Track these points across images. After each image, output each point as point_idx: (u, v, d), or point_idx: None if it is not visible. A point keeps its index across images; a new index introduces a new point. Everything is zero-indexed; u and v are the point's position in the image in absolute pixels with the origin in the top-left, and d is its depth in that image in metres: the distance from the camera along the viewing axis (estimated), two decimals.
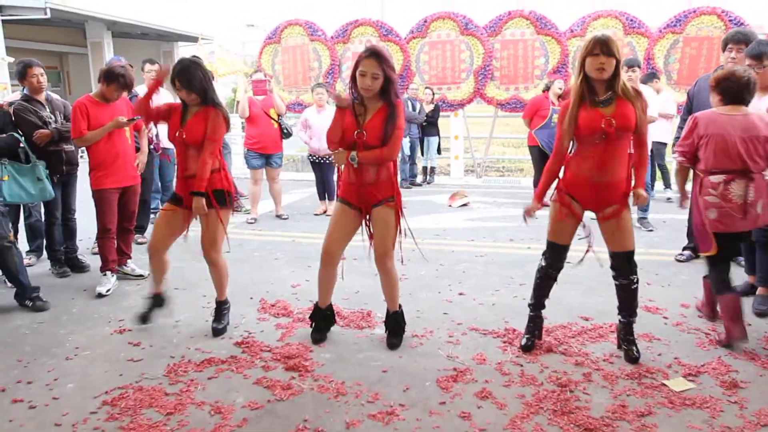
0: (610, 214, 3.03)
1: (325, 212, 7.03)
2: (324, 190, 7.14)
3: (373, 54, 3.00)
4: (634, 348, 3.13)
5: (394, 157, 3.17)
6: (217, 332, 3.51)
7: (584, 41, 2.90)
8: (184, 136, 3.34)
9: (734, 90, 3.28)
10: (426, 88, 9.14)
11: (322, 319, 3.45)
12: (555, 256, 3.19)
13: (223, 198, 3.44)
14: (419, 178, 9.47)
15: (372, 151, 3.08)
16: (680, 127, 4.88)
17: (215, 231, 3.44)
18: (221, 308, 3.60)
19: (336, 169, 3.41)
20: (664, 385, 2.85)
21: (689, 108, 4.78)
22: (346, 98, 3.13)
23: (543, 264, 3.25)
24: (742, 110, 3.27)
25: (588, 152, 2.98)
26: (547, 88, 7.37)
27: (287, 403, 2.75)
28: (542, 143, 7.07)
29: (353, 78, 3.08)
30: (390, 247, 3.22)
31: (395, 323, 3.37)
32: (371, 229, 3.25)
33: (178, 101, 3.43)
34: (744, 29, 4.78)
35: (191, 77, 3.27)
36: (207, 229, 3.45)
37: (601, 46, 2.81)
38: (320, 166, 7.02)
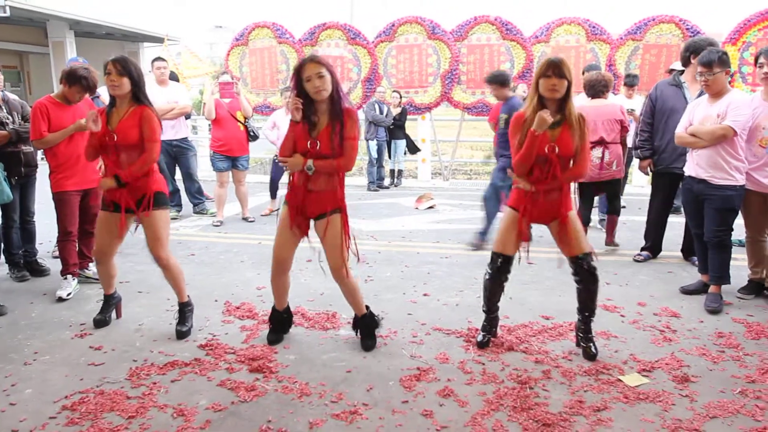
0: (556, 226, 3.15)
1: (271, 211, 7.08)
2: (276, 189, 7.23)
3: (310, 59, 3.01)
4: (592, 345, 3.22)
5: (350, 167, 3.13)
6: (182, 335, 3.49)
7: (538, 63, 3.02)
8: (116, 138, 3.31)
9: (591, 87, 5.22)
10: (393, 91, 9.21)
11: (278, 321, 3.46)
12: (502, 266, 3.26)
13: (162, 199, 3.45)
14: (386, 181, 9.53)
15: (329, 160, 3.05)
16: (643, 130, 5.00)
17: (158, 230, 3.42)
18: (184, 310, 3.58)
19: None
20: (620, 380, 2.95)
21: (652, 111, 4.90)
22: (299, 109, 3.05)
23: (491, 272, 3.30)
24: (601, 102, 5.19)
25: (533, 170, 3.09)
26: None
27: (251, 404, 2.75)
28: None
29: (300, 91, 3.02)
30: (342, 259, 3.18)
31: (365, 326, 3.39)
32: (320, 242, 3.22)
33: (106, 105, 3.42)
34: (699, 38, 4.95)
35: (127, 63, 3.31)
36: (150, 231, 3.42)
37: (554, 69, 2.94)
38: (282, 168, 7.03)
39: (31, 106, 4.38)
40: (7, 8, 11.88)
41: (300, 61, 3.05)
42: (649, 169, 5.00)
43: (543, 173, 3.06)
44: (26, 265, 4.73)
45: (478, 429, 2.54)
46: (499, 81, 5.44)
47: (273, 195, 7.22)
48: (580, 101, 6.10)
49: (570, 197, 3.17)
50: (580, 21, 8.85)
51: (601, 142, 5.02)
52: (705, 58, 3.77)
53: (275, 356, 3.24)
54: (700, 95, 4.51)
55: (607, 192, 5.42)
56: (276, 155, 7.06)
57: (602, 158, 5.03)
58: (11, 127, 4.36)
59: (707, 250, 4.04)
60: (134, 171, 3.31)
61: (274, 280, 3.35)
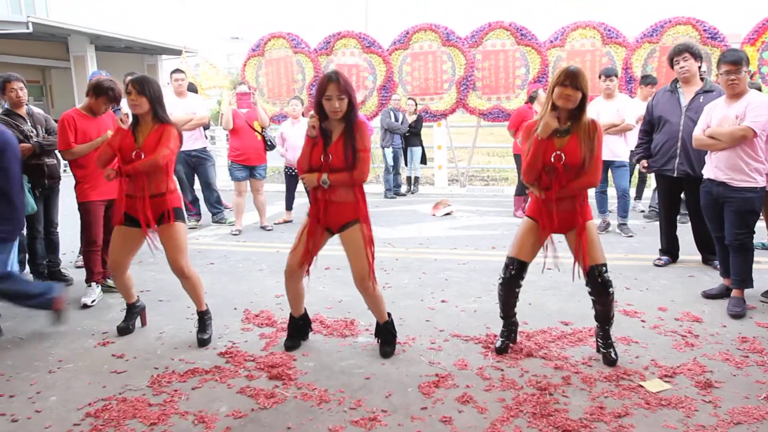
0: (572, 235, 3.12)
1: (285, 221, 7.15)
2: (292, 199, 7.31)
3: (335, 78, 3.05)
4: (612, 351, 3.19)
5: (365, 179, 3.17)
6: (203, 343, 3.53)
7: (556, 71, 2.99)
8: (143, 156, 3.37)
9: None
10: (409, 98, 9.23)
11: (295, 328, 3.49)
12: (516, 273, 3.25)
13: (180, 214, 3.52)
14: (403, 188, 9.54)
15: (342, 174, 3.11)
16: (641, 139, 5.09)
17: (177, 242, 3.47)
18: (204, 318, 3.62)
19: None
20: (641, 386, 2.92)
21: (649, 119, 4.98)
22: (316, 128, 3.12)
23: (504, 277, 3.28)
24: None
25: (542, 178, 3.08)
26: (531, 100, 7.43)
27: (271, 411, 2.77)
28: None
29: (318, 105, 3.10)
30: (367, 269, 3.20)
31: (386, 332, 3.40)
32: (345, 252, 3.25)
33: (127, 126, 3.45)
34: (685, 43, 4.96)
35: (147, 84, 3.37)
36: (169, 244, 3.47)
37: (571, 79, 2.91)
38: (294, 179, 7.09)
39: (55, 120, 4.47)
40: (30, 24, 12.16)
41: (326, 75, 3.07)
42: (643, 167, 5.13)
43: (550, 181, 3.04)
44: (50, 275, 4.81)
45: None
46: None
47: (288, 206, 7.28)
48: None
49: (587, 206, 3.14)
50: (596, 25, 8.81)
51: None
52: (734, 56, 3.71)
53: (294, 363, 3.25)
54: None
55: None
56: (286, 166, 7.14)
57: None
58: (35, 140, 4.46)
59: (728, 253, 3.98)
60: (138, 167, 3.35)
61: (288, 286, 3.39)
